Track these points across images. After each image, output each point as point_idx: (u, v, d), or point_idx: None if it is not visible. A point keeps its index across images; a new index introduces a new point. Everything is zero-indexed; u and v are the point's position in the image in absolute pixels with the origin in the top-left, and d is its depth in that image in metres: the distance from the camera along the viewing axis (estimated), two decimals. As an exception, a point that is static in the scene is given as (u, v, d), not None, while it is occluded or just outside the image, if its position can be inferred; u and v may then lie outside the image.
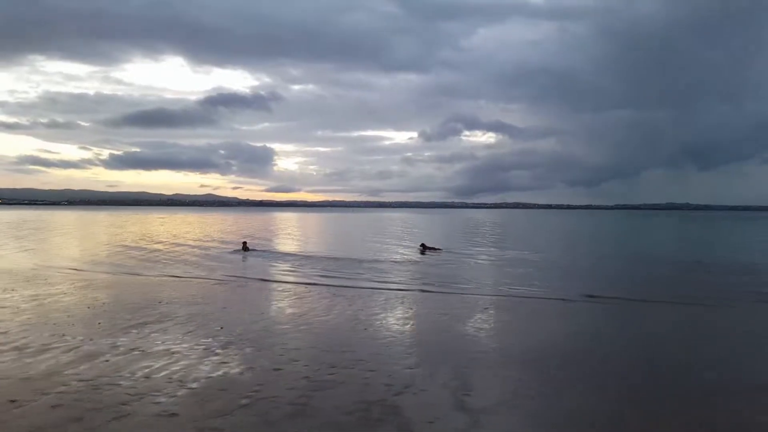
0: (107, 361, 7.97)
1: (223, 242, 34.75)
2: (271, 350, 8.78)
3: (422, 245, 28.76)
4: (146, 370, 7.52)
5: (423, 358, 8.43)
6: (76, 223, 66.27)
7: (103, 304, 12.79)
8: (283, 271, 20.38)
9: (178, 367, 7.70)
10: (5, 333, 9.64)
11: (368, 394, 6.69)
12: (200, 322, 10.89)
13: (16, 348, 8.61)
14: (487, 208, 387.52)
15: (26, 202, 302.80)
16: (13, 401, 6.23)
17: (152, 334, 9.73)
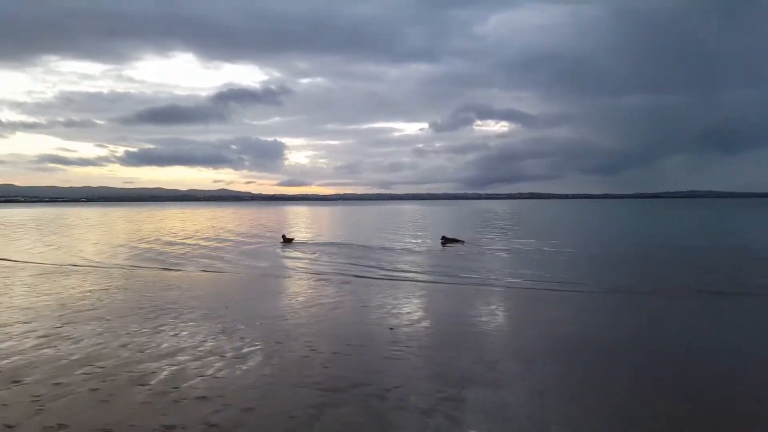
0: (330, 364, 7.32)
1: (259, 235, 35.06)
2: (479, 353, 8.13)
3: (443, 237, 27.97)
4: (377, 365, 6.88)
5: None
6: (110, 221, 65.91)
7: (236, 303, 12.18)
8: (345, 264, 19.74)
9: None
10: (177, 336, 9.02)
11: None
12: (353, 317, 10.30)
13: (218, 355, 7.95)
14: (501, 198, 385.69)
15: (47, 199, 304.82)
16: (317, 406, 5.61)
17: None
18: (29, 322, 10.04)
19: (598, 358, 7.87)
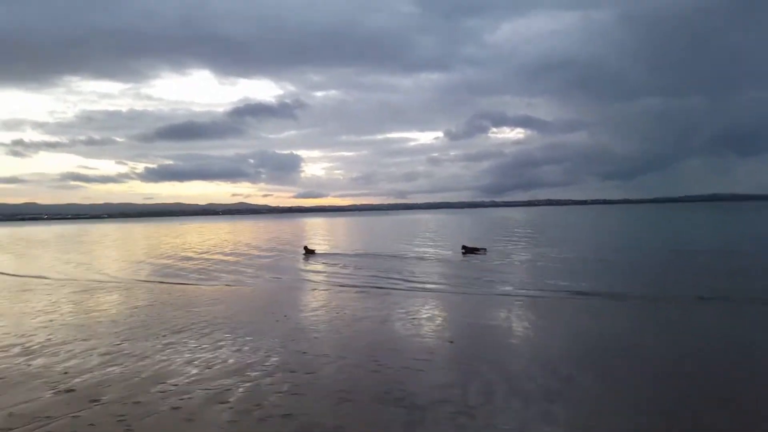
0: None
1: (281, 249, 35.17)
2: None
3: (464, 247, 27.54)
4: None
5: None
6: (134, 237, 66.81)
7: (286, 317, 12.17)
8: (375, 275, 19.64)
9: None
10: (239, 351, 8.99)
11: None
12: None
13: (287, 370, 7.91)
14: (518, 206, 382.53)
15: (70, 216, 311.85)
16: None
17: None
18: (88, 340, 10.11)
19: (676, 371, 7.65)
